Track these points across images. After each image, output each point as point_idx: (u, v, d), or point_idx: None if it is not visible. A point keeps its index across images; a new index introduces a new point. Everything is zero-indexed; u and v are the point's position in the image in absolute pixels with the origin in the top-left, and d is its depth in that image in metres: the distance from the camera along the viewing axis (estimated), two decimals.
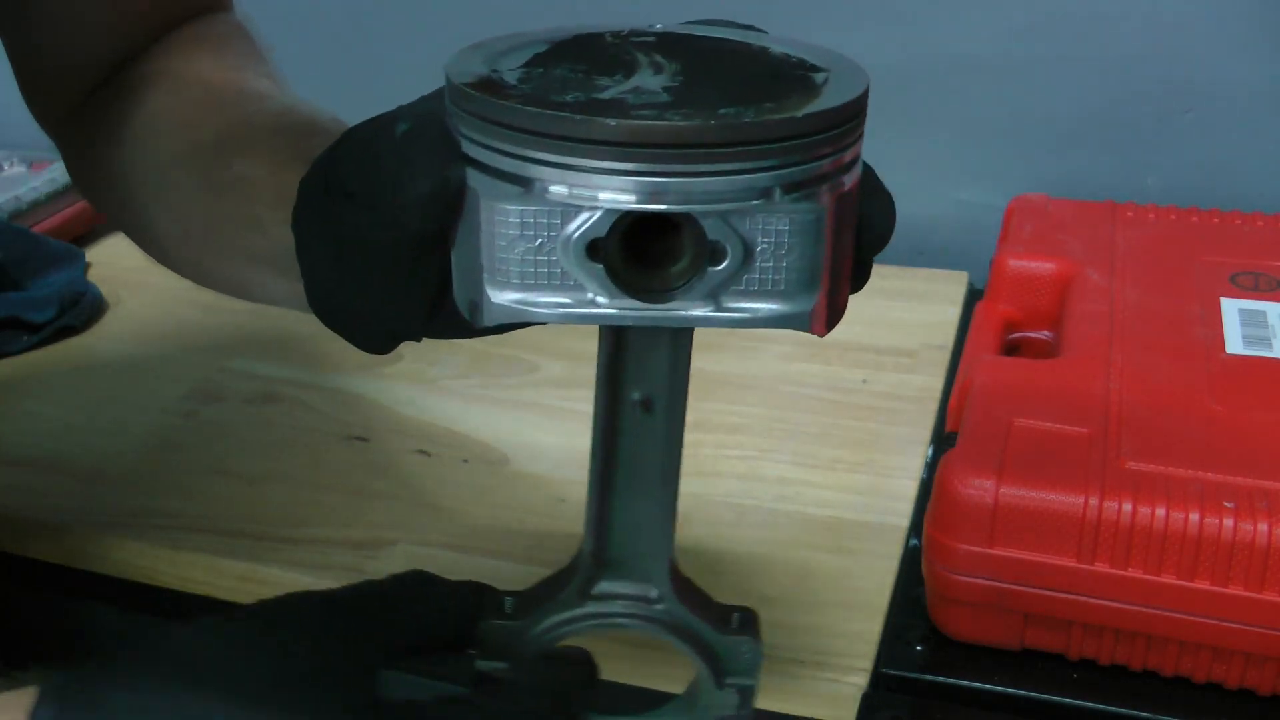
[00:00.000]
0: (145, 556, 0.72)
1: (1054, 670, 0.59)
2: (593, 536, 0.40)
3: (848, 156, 0.32)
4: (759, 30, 0.38)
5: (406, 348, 0.44)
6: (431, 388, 0.85)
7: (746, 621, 0.42)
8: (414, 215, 0.33)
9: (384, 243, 0.35)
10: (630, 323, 0.32)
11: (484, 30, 0.37)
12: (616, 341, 0.37)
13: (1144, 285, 0.75)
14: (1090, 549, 0.55)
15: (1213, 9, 0.90)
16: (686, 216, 0.30)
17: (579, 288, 0.31)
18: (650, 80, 0.32)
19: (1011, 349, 0.78)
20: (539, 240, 0.30)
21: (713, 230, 0.30)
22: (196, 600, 0.72)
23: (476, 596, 0.42)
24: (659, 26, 0.36)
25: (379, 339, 0.41)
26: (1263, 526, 0.53)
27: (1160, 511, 0.54)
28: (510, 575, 0.67)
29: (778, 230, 0.30)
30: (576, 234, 0.30)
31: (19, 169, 1.14)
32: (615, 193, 0.29)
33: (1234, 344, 0.68)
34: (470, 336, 0.42)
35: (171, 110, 0.55)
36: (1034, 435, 0.60)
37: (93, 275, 1.01)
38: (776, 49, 0.35)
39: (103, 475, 0.78)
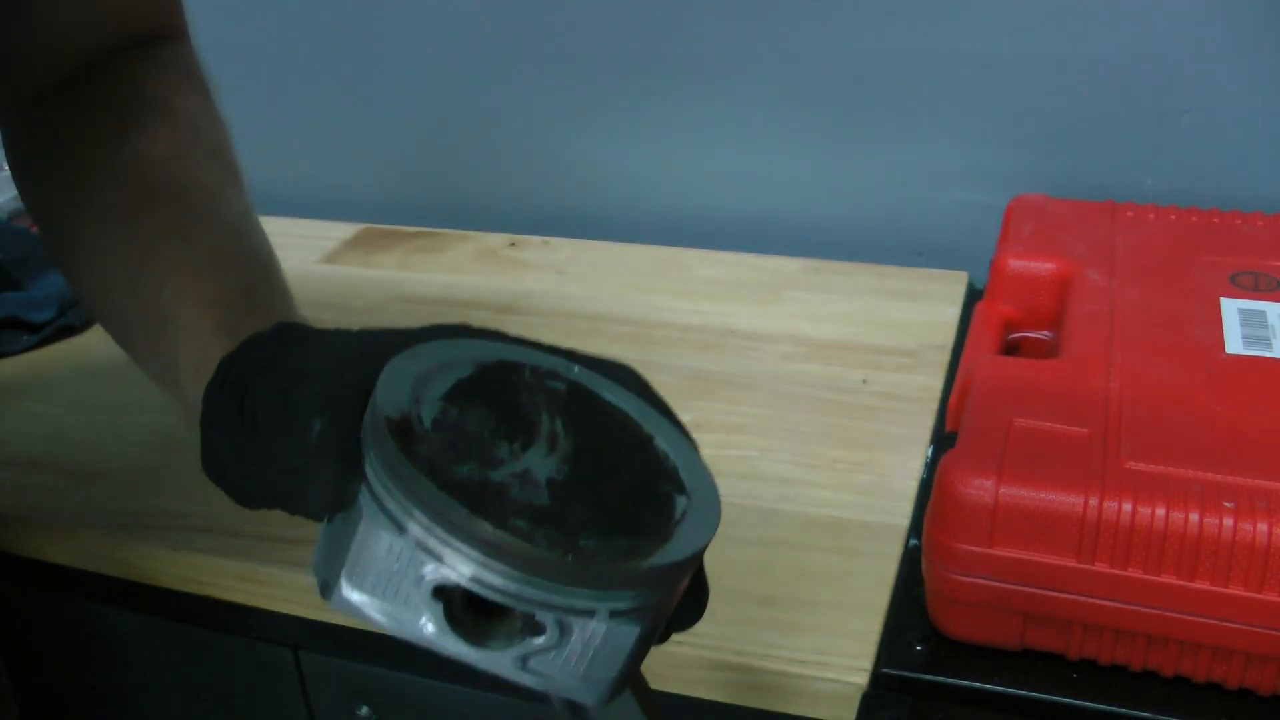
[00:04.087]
0: (146, 557, 0.72)
1: (1054, 670, 0.59)
2: None
3: (679, 588, 0.36)
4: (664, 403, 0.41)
5: None
6: None
7: None
8: (310, 509, 0.37)
9: (281, 492, 0.38)
10: (447, 654, 0.35)
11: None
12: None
13: (1144, 285, 0.75)
14: (1090, 549, 0.55)
15: (1212, 10, 0.90)
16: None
17: (417, 613, 0.35)
18: (540, 464, 0.36)
19: (1011, 349, 0.78)
20: (398, 568, 0.34)
21: (542, 616, 0.34)
22: (197, 600, 0.72)
23: None
24: (576, 371, 0.40)
25: (259, 507, 0.42)
26: (1263, 526, 0.53)
27: (1160, 511, 0.54)
28: None
29: (594, 632, 0.35)
30: (429, 577, 0.34)
31: None
32: (472, 568, 0.34)
33: (1234, 344, 0.68)
34: None
35: (121, 177, 0.53)
36: (1034, 435, 0.60)
37: None
38: (660, 443, 0.39)
39: (103, 475, 0.78)
